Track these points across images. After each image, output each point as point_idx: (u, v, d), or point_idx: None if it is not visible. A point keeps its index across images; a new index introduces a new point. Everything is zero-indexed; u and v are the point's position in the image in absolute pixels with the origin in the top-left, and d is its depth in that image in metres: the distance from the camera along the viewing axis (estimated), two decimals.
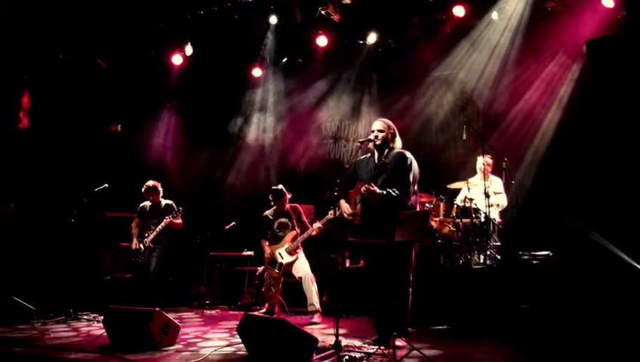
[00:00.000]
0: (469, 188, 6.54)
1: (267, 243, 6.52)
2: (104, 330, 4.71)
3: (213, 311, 7.15)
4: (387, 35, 8.37)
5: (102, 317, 5.01)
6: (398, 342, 4.09)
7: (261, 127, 9.57)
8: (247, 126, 9.57)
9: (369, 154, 4.77)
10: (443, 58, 8.20)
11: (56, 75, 8.61)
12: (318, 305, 6.08)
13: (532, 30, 7.46)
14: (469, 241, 6.34)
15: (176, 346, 4.57)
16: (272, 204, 6.63)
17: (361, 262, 6.60)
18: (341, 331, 4.68)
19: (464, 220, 6.52)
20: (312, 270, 6.32)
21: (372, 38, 8.25)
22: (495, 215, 6.61)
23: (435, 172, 7.26)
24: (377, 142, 4.57)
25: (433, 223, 6.66)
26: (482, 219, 6.39)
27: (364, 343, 4.40)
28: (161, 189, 6.92)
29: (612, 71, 6.59)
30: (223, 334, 5.29)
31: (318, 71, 9.04)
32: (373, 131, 4.62)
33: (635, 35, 6.42)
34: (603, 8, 6.85)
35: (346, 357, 3.79)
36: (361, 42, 8.51)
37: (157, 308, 4.52)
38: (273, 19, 8.26)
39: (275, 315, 6.20)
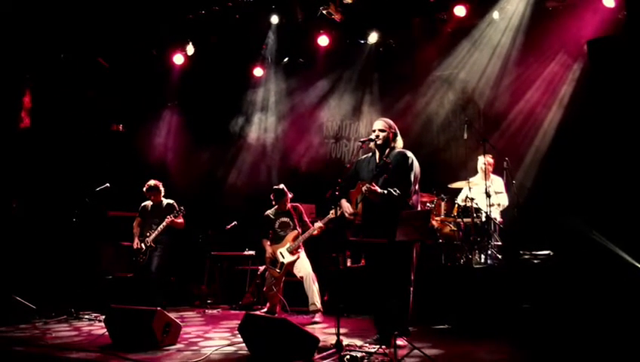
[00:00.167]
0: (470, 188, 6.55)
1: (268, 242, 6.52)
2: (106, 330, 4.72)
3: (215, 311, 7.15)
4: (388, 35, 8.38)
5: (103, 317, 5.01)
6: (400, 342, 4.10)
7: (262, 127, 9.58)
8: (248, 125, 9.57)
9: (370, 154, 4.77)
10: (444, 58, 8.20)
11: (58, 74, 8.60)
12: (319, 305, 6.09)
13: (533, 30, 7.47)
14: (470, 241, 6.33)
15: (178, 345, 4.57)
16: (274, 203, 6.64)
17: (363, 261, 6.62)
18: (342, 330, 4.72)
19: (465, 220, 6.52)
20: (314, 269, 6.33)
21: (373, 37, 8.26)
22: (496, 214, 6.62)
23: (436, 171, 7.27)
24: (378, 142, 4.58)
25: (434, 223, 6.64)
26: (483, 219, 6.39)
27: (366, 342, 4.41)
28: (162, 189, 6.92)
29: (613, 70, 6.58)
30: (225, 333, 5.30)
31: (319, 70, 9.04)
32: (374, 131, 4.63)
33: (636, 35, 6.42)
34: (604, 8, 6.85)
35: (348, 357, 3.79)
36: (362, 42, 8.52)
37: (158, 308, 4.53)
38: (274, 19, 8.28)
39: (276, 315, 6.20)
